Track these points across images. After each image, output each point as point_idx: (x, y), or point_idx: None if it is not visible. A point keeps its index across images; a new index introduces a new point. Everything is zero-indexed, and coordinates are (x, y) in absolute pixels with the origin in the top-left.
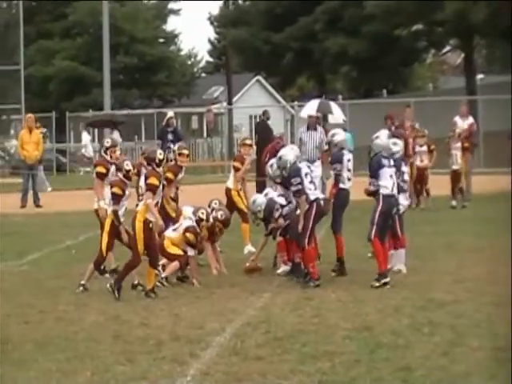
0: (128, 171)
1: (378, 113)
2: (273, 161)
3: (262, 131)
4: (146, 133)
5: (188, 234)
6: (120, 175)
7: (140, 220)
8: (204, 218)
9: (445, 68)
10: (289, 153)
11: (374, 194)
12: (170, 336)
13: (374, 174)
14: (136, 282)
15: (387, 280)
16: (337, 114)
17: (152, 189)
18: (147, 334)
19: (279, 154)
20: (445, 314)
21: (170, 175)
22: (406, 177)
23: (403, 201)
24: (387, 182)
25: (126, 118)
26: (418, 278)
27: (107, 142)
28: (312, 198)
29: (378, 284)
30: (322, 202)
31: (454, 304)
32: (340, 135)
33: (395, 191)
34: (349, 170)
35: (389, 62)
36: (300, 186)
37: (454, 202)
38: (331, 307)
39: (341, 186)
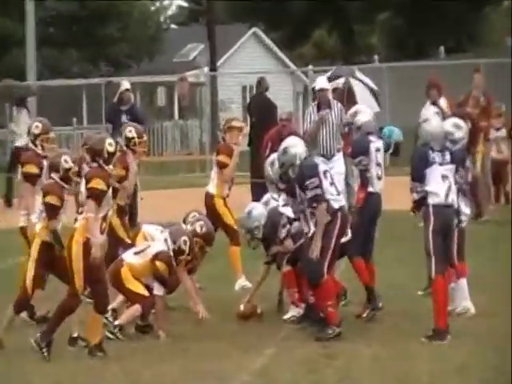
0: (67, 170)
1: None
2: (274, 156)
3: (260, 109)
4: (88, 113)
5: (158, 263)
6: (55, 177)
7: (79, 241)
8: (186, 250)
9: None
10: (298, 144)
11: (420, 204)
12: None
13: (417, 175)
14: (75, 335)
15: (444, 342)
16: (365, 99)
17: (95, 195)
18: None
19: (283, 144)
20: None
21: (119, 171)
22: (469, 177)
23: (465, 209)
24: (438, 186)
25: (39, 91)
26: (492, 323)
27: (36, 127)
28: (336, 206)
29: (428, 341)
30: (348, 213)
31: None
32: (365, 114)
33: (452, 199)
34: (378, 165)
35: (449, 5)
36: (319, 191)
37: None
38: (364, 368)
39: (369, 188)
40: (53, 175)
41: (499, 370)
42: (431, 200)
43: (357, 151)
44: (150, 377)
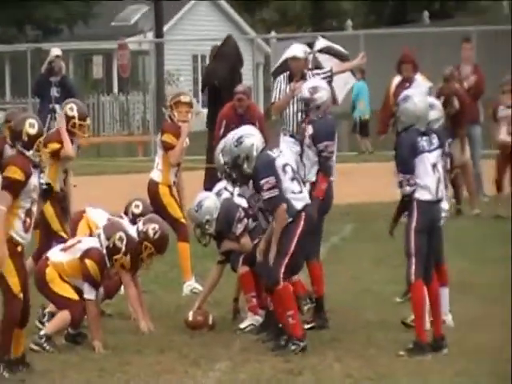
0: None
1: (415, 50)
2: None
3: (222, 79)
4: (12, 85)
5: (89, 262)
6: None
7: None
8: (122, 247)
9: None
10: (254, 133)
11: (410, 200)
12: None
13: (408, 167)
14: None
15: (425, 357)
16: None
17: (9, 185)
18: None
19: (237, 133)
20: None
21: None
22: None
23: (444, 204)
24: (428, 179)
25: None
26: (483, 337)
27: None
28: (298, 206)
29: (408, 356)
30: (312, 212)
31: None
32: (324, 91)
33: (441, 194)
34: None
35: None
36: (275, 191)
37: None
38: None
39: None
40: None
41: None
42: (419, 195)
43: (322, 135)
44: None
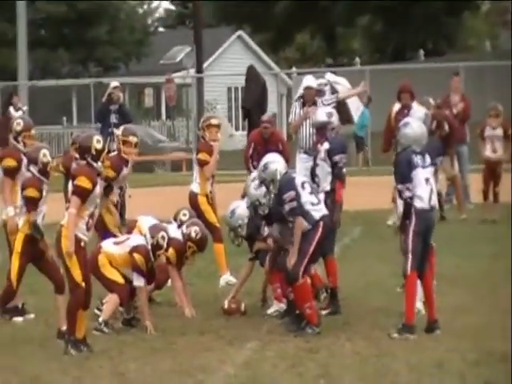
0: (45, 164)
1: (412, 82)
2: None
3: (249, 104)
4: (78, 113)
5: (136, 256)
6: (34, 170)
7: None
8: (164, 245)
9: (508, 19)
10: (277, 159)
11: (409, 205)
12: None
13: (405, 178)
14: (64, 328)
15: (412, 336)
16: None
17: (79, 192)
18: None
19: (264, 160)
20: (508, 371)
21: (109, 172)
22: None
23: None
24: (422, 189)
25: (30, 91)
26: (470, 320)
27: (18, 124)
28: (317, 216)
29: (397, 336)
30: (328, 221)
31: None
32: (336, 116)
33: (434, 202)
34: None
35: (427, 10)
36: (295, 204)
37: None
38: (345, 363)
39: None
40: (31, 168)
41: (481, 363)
42: (416, 203)
43: (336, 150)
44: (138, 370)
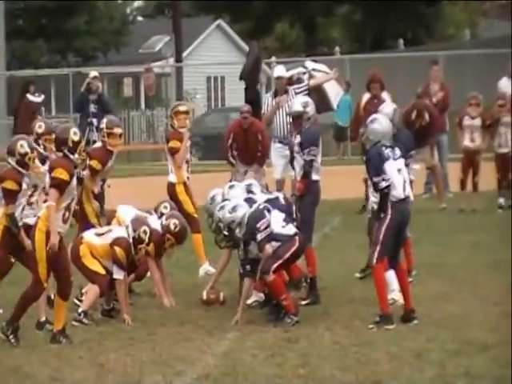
0: (23, 155)
1: (391, 72)
2: (216, 191)
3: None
4: (56, 103)
5: (117, 249)
6: (12, 162)
7: (42, 230)
8: (145, 239)
9: (487, 8)
10: (239, 195)
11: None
12: None
13: (379, 170)
14: (43, 319)
15: (391, 326)
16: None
17: (57, 184)
18: None
19: (232, 203)
20: (487, 360)
21: (94, 164)
22: (412, 176)
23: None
24: (395, 180)
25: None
26: (450, 310)
27: (39, 127)
28: (291, 232)
29: (376, 328)
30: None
31: (500, 347)
32: (312, 105)
33: (408, 192)
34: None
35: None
36: (268, 230)
37: (501, 200)
38: (324, 353)
39: (314, 177)
40: (9, 160)
41: (461, 353)
42: (391, 196)
43: (309, 141)
44: (118, 360)
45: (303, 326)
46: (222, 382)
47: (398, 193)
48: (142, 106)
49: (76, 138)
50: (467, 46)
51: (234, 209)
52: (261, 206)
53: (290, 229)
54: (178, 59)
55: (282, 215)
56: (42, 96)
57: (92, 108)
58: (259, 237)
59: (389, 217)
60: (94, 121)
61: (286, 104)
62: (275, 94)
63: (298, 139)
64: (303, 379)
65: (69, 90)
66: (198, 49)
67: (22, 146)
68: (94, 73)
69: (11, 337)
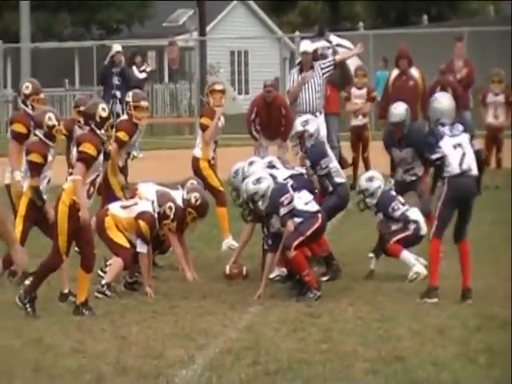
0: (51, 127)
1: (416, 47)
2: (239, 165)
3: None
4: (80, 75)
5: (142, 223)
6: (39, 134)
7: (65, 203)
8: (171, 215)
9: None
10: (259, 170)
11: (440, 170)
12: (115, 368)
13: (431, 147)
14: (66, 291)
15: (433, 300)
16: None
17: (85, 159)
18: (81, 364)
19: (256, 175)
20: (509, 336)
21: (122, 135)
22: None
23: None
24: (451, 156)
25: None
26: (472, 286)
27: (27, 88)
28: (314, 209)
29: (425, 301)
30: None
31: None
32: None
33: (468, 166)
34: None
35: None
36: (292, 206)
37: None
38: (347, 328)
39: (337, 180)
40: (37, 132)
41: (482, 329)
42: (446, 172)
43: (317, 157)
44: (140, 333)
45: (326, 301)
46: (244, 355)
47: (452, 168)
48: (166, 79)
49: (104, 114)
50: (490, 22)
51: (258, 180)
52: (285, 181)
53: (313, 206)
54: (202, 33)
55: (306, 192)
56: (149, 69)
57: (115, 81)
58: (282, 211)
59: (444, 192)
60: (118, 93)
61: (311, 79)
62: (301, 70)
63: (307, 163)
64: (325, 354)
65: (92, 63)
66: (222, 23)
67: (50, 118)
68: (117, 46)
69: (28, 305)
